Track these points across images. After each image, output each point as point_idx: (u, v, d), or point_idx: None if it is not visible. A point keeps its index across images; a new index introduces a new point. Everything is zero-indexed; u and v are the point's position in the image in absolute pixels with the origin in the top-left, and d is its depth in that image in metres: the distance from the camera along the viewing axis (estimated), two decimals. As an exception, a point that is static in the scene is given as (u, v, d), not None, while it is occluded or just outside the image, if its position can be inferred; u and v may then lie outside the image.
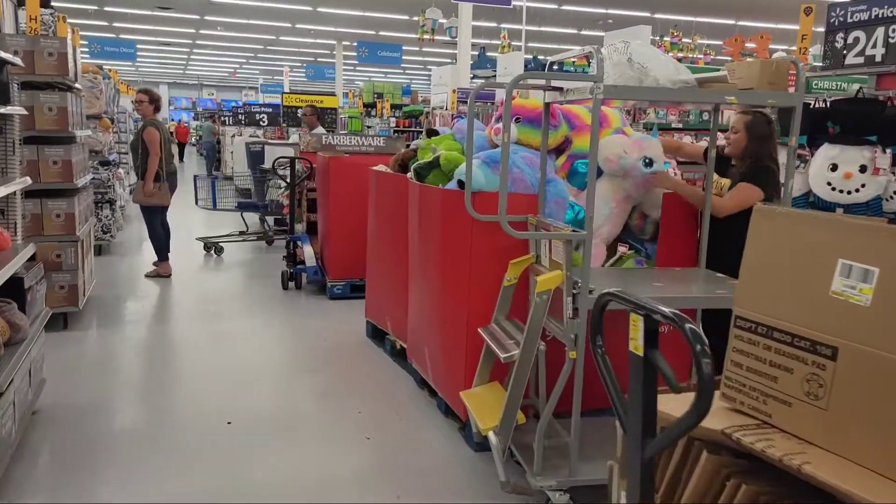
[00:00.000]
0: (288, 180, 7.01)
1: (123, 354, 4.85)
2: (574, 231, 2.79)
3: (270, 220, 9.06)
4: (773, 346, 1.56)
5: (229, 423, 3.72)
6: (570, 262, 2.81)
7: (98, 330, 5.39)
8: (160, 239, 6.90)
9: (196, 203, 9.23)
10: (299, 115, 10.35)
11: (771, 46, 10.82)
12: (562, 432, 3.12)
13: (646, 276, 3.22)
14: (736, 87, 2.77)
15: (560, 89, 2.98)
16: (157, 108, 6.82)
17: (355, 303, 5.96)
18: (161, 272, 7.00)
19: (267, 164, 8.93)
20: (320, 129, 8.73)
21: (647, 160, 3.30)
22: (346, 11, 18.45)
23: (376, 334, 5.17)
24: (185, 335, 5.34)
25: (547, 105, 3.25)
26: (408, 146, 6.91)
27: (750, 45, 11.83)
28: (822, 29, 5.47)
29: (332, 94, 13.93)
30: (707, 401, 1.25)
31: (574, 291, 2.81)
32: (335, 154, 6.61)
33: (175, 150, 12.34)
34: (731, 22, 17.71)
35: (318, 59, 29.32)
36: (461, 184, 3.45)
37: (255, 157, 9.75)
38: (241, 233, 8.62)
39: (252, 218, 9.18)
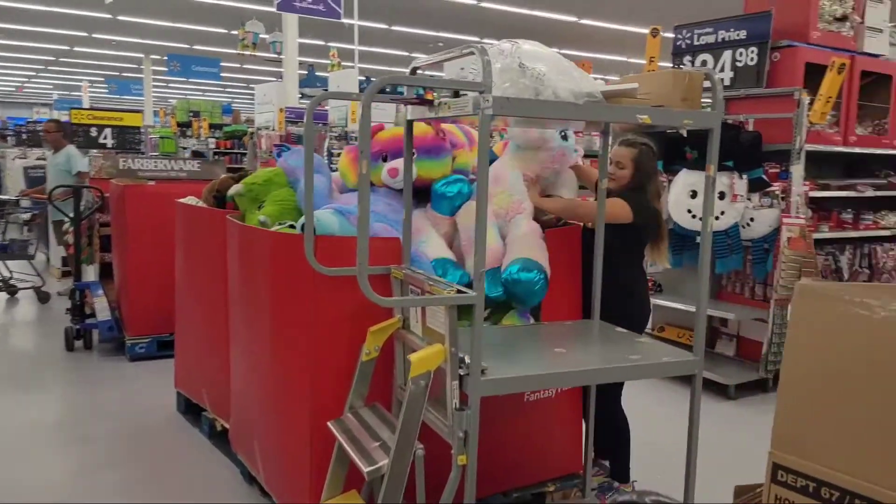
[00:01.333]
0: (71, 215, 5.65)
1: None
2: (460, 292, 2.06)
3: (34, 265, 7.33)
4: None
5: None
6: (455, 332, 2.08)
7: None
8: None
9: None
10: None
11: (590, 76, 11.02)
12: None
13: (540, 338, 2.58)
14: (649, 104, 2.22)
15: (429, 103, 2.26)
16: None
17: (164, 364, 4.81)
18: None
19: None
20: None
21: (563, 132, 2.89)
22: (154, 21, 16.69)
23: (191, 408, 4.10)
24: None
25: (410, 123, 2.52)
26: (230, 171, 5.88)
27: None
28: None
29: (138, 111, 12.28)
30: None
31: (461, 373, 2.09)
32: (136, 181, 5.42)
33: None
34: (554, 50, 18.25)
35: (124, 74, 26.64)
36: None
37: (35, 184, 8.10)
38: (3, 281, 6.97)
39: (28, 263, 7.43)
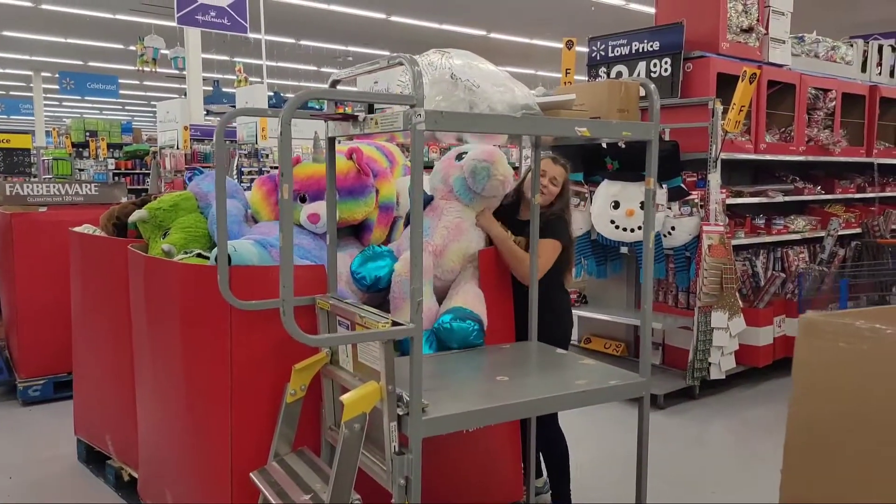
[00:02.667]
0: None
1: None
2: (396, 325, 1.88)
3: None
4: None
5: None
6: (392, 369, 1.90)
7: None
8: None
9: None
10: None
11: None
12: None
13: (479, 365, 2.43)
14: (586, 116, 2.12)
15: (354, 118, 2.08)
16: None
17: (62, 407, 4.37)
18: None
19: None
20: None
21: (460, 154, 2.68)
22: (42, 37, 15.68)
23: (93, 457, 3.71)
24: None
25: (331, 141, 2.32)
26: (131, 195, 5.46)
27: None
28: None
29: (28, 132, 11.44)
30: None
31: (399, 412, 1.90)
32: (25, 209, 4.93)
33: None
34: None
35: (12, 93, 24.98)
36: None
37: None
38: None
39: None
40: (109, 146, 13.89)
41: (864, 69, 6.02)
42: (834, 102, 5.52)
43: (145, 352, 2.83)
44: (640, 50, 4.96)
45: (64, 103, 26.51)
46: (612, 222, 4.73)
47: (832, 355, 0.98)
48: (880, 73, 6.16)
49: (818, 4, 9.96)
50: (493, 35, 15.48)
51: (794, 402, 1.03)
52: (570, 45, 5.56)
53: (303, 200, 2.62)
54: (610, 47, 5.17)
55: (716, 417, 4.47)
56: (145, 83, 21.84)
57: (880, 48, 6.18)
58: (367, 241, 2.80)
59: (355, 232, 2.85)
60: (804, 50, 5.47)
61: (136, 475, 3.19)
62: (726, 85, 4.56)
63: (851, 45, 5.92)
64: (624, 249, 4.87)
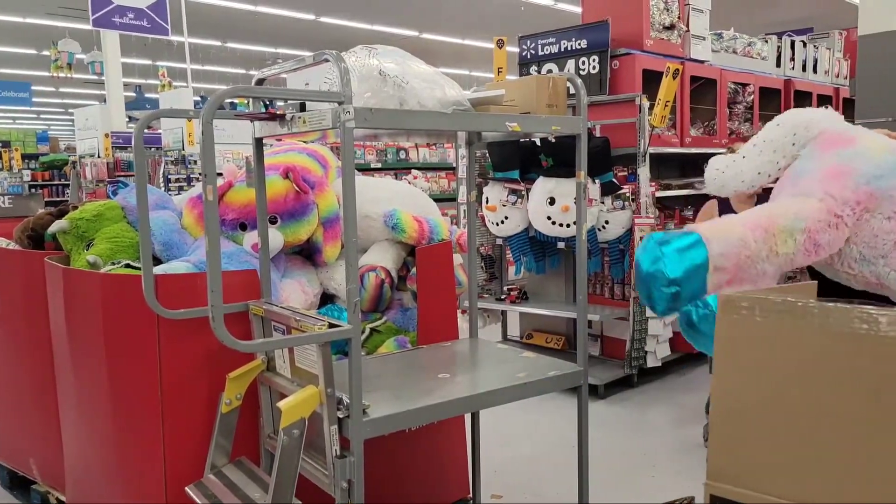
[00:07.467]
0: None
1: None
2: (332, 326, 1.84)
3: None
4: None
5: None
6: (330, 372, 1.85)
7: None
8: None
9: None
10: None
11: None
12: None
13: (421, 364, 2.40)
14: (516, 112, 2.12)
15: (281, 117, 2.02)
16: None
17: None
18: None
19: None
20: None
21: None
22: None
23: (17, 483, 3.50)
24: None
25: (258, 142, 2.26)
26: (49, 206, 5.17)
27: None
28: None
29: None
30: None
31: (340, 415, 1.86)
32: (-71, 223, 4.62)
33: None
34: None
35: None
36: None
37: None
38: None
39: None
40: (24, 157, 13.23)
41: (778, 64, 6.28)
42: (752, 96, 5.75)
43: (68, 369, 2.68)
44: (569, 48, 5.04)
45: (-26, 113, 25.13)
46: (549, 218, 4.78)
47: (749, 329, 1.01)
48: (793, 68, 6.45)
49: (735, 3, 10.37)
50: (425, 35, 15.48)
51: (717, 376, 1.06)
52: (500, 44, 5.60)
53: (243, 228, 2.53)
54: (540, 46, 5.24)
55: (653, 404, 4.58)
56: (61, 89, 20.90)
57: (793, 44, 6.47)
58: (320, 262, 2.71)
59: (307, 254, 2.77)
60: (723, 46, 5.67)
61: (63, 498, 3.03)
62: (652, 81, 4.68)
63: (766, 42, 6.18)
64: (561, 245, 4.93)
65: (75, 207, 3.02)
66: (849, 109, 6.69)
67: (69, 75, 12.46)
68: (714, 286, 1.52)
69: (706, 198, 5.58)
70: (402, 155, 7.29)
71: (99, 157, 10.99)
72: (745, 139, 5.63)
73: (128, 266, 2.48)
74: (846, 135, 1.68)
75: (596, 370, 4.82)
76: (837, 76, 7.02)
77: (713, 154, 5.77)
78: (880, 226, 1.50)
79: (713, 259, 1.50)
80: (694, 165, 5.84)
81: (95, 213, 2.80)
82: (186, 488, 2.12)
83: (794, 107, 6.33)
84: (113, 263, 2.54)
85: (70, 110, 21.92)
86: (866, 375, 0.89)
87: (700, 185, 5.34)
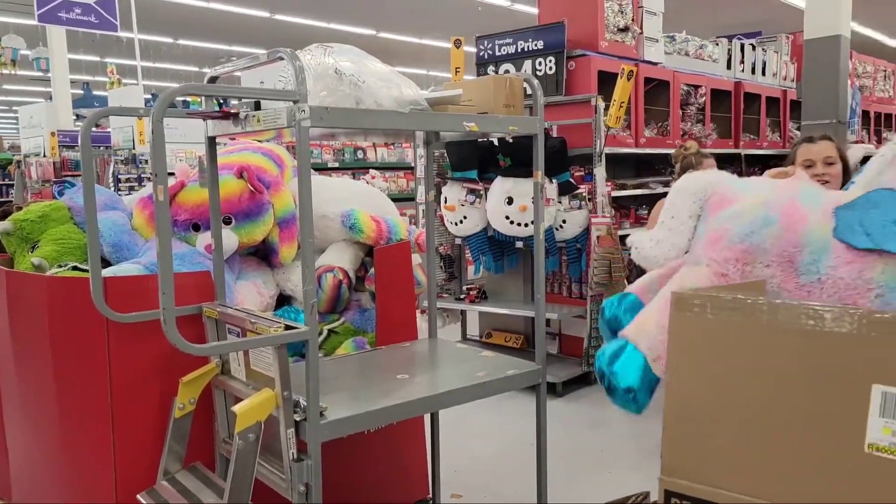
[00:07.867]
0: None
1: None
2: (289, 328, 1.81)
3: None
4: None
5: None
6: (287, 374, 1.83)
7: None
8: None
9: None
10: None
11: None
12: None
13: (379, 365, 2.39)
14: (473, 111, 2.12)
15: (235, 116, 1.98)
16: None
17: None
18: None
19: None
20: None
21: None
22: None
23: (-42, 496, 3.37)
24: None
25: (212, 140, 2.21)
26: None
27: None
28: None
29: None
30: None
31: (297, 418, 1.84)
32: None
33: None
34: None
35: None
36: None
37: None
38: None
39: None
40: (-34, 156, 12.75)
41: (728, 66, 6.45)
42: (704, 98, 5.88)
43: (12, 376, 2.58)
44: (526, 49, 5.08)
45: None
46: (507, 218, 4.81)
47: (701, 326, 1.04)
48: (743, 70, 6.62)
49: (687, 6, 10.58)
50: (382, 34, 15.41)
51: (670, 372, 1.09)
52: (458, 44, 5.61)
53: (196, 229, 2.48)
54: (497, 46, 5.26)
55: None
56: (5, 87, 20.20)
57: (742, 47, 6.65)
58: (276, 263, 2.67)
59: (263, 255, 2.72)
60: (676, 48, 5.78)
61: (9, 510, 2.92)
62: (607, 82, 4.74)
63: (717, 45, 6.33)
64: (519, 244, 4.96)
65: (20, 208, 2.92)
66: (796, 111, 6.91)
67: (13, 72, 12.04)
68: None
69: (661, 197, 5.71)
70: (360, 154, 7.25)
71: (45, 156, 10.64)
72: (697, 139, 5.78)
73: (75, 268, 2.41)
74: (728, 195, 1.83)
75: (554, 368, 4.86)
76: (785, 79, 7.24)
77: (667, 154, 5.90)
78: (762, 273, 1.65)
79: (647, 354, 1.77)
80: (648, 165, 5.95)
81: (41, 215, 2.70)
82: (138, 495, 2.06)
83: (745, 108, 6.51)
84: (59, 266, 2.46)
85: (14, 108, 21.20)
86: (812, 370, 0.92)
87: (655, 184, 5.45)
